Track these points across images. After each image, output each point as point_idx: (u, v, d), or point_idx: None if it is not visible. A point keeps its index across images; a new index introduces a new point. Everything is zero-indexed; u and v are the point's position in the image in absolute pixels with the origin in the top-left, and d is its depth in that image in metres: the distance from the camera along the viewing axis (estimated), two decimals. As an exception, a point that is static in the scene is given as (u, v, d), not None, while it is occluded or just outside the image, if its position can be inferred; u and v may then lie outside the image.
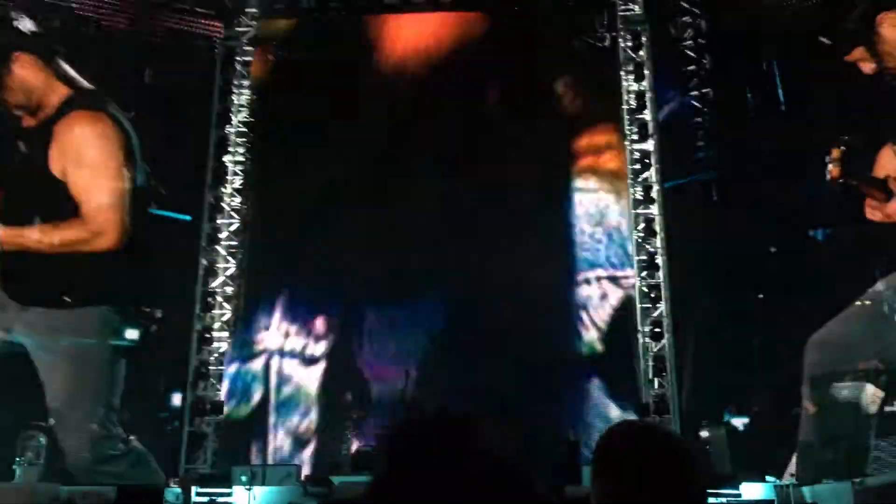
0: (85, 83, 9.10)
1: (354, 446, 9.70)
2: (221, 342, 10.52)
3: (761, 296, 10.37)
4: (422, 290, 10.29)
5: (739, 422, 9.83)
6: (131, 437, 9.56)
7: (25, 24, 8.87)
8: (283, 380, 10.48)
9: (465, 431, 1.17)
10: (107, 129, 8.91)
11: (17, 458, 7.40)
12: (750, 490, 7.82)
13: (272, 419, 10.31)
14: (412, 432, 1.20)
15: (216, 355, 10.43)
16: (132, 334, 8.76)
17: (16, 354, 8.28)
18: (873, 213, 8.38)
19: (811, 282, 9.42)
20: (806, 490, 6.54)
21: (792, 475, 8.05)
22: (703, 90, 10.97)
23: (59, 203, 8.51)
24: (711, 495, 7.06)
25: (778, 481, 7.76)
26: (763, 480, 8.04)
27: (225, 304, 10.66)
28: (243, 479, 7.67)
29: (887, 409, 8.70)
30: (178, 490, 7.71)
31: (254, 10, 11.68)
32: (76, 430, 8.15)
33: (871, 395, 8.63)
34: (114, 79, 10.45)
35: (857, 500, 6.08)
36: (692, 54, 11.08)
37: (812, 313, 8.83)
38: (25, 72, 8.71)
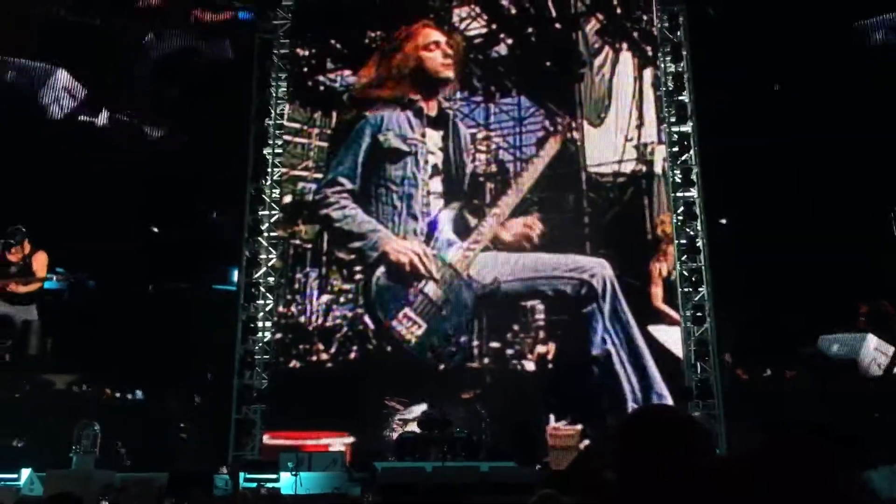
0: None
1: (397, 433, 9.85)
2: (265, 332, 10.74)
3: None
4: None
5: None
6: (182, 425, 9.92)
7: None
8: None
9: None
10: None
11: (74, 447, 7.68)
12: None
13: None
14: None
15: (261, 345, 10.66)
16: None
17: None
18: None
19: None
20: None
21: None
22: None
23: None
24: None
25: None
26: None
27: (268, 295, 10.86)
28: (289, 465, 7.85)
29: None
30: (227, 476, 7.93)
31: (290, 2, 11.81)
32: None
33: (873, 349, 6.65)
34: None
35: (897, 484, 5.91)
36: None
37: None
38: None
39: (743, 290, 9.75)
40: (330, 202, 11.26)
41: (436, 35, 11.72)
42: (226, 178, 11.42)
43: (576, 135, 11.09)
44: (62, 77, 11.93)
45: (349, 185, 11.27)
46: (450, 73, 11.46)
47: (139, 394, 10.19)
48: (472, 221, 10.96)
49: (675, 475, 1.46)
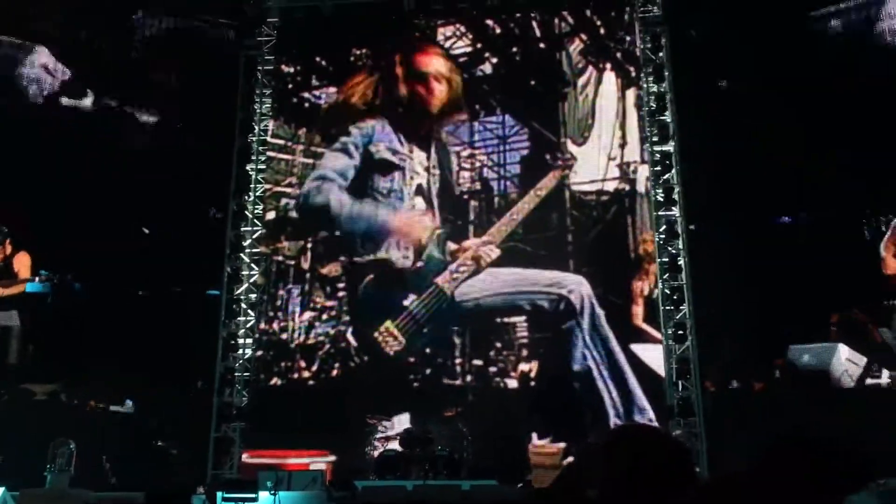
0: None
1: (378, 450, 9.78)
2: (246, 349, 10.66)
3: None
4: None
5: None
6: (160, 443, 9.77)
7: None
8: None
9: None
10: None
11: (48, 466, 7.56)
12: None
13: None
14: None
15: (241, 361, 10.58)
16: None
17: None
18: None
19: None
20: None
21: None
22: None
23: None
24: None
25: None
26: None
27: (249, 312, 10.80)
28: (268, 484, 7.76)
29: (870, 381, 6.40)
30: (204, 497, 7.82)
31: (275, 19, 11.84)
32: None
33: (844, 360, 6.65)
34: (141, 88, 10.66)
35: (880, 502, 5.93)
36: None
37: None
38: None
39: (722, 303, 9.81)
40: (323, 189, 11.23)
41: (438, 64, 11.74)
42: (224, 173, 11.03)
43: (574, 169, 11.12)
44: (42, 54, 11.22)
45: (341, 182, 11.27)
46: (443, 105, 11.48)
47: (129, 405, 9.92)
48: (457, 244, 10.95)
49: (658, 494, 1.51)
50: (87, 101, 11.59)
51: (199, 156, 11.15)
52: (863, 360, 6.42)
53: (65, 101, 11.48)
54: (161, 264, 11.20)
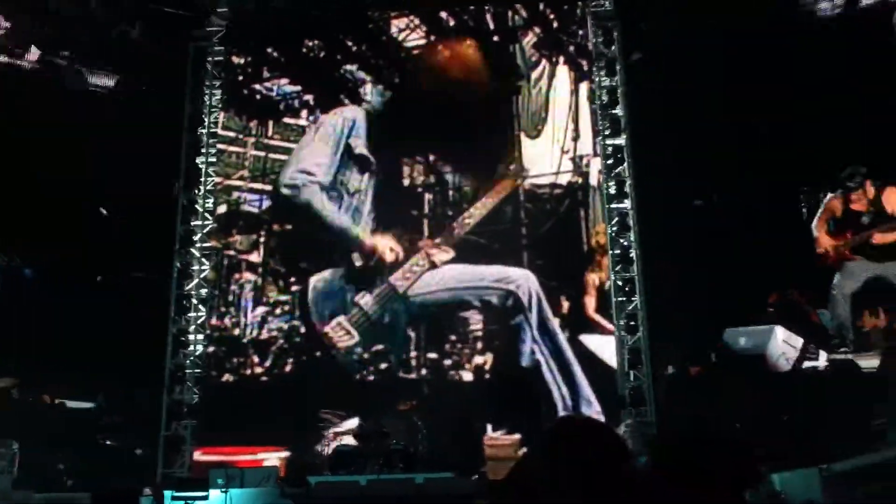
0: None
1: (333, 445, 9.71)
2: (197, 345, 10.48)
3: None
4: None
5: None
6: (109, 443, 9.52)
7: None
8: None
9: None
10: None
11: (-10, 467, 7.34)
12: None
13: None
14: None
15: (192, 359, 10.39)
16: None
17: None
18: None
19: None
20: (775, 477, 6.55)
21: None
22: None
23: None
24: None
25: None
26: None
27: (200, 307, 10.61)
28: (219, 481, 7.66)
29: (808, 364, 6.26)
30: (151, 498, 7.68)
31: (224, 9, 11.63)
32: None
33: (781, 342, 6.41)
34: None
35: (825, 486, 6.09)
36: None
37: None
38: None
39: (673, 291, 9.95)
40: (306, 191, 11.10)
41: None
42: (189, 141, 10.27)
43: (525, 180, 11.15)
44: None
45: (320, 178, 11.14)
46: None
47: (84, 401, 9.51)
48: (410, 243, 10.90)
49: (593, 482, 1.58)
50: (31, 58, 10.17)
51: (163, 124, 10.27)
52: (799, 343, 6.48)
53: (2, 58, 10.10)
54: (121, 248, 10.36)
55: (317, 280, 10.81)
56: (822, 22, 10.14)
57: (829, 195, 7.83)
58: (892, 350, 6.55)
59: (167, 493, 7.42)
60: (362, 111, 11.49)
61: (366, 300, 10.64)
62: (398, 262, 10.76)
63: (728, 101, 10.00)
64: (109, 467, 8.84)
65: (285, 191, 11.23)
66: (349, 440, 9.42)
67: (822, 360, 6.57)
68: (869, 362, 6.57)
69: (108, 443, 9.57)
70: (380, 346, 10.53)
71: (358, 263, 10.76)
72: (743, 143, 9.89)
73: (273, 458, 9.88)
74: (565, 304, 10.51)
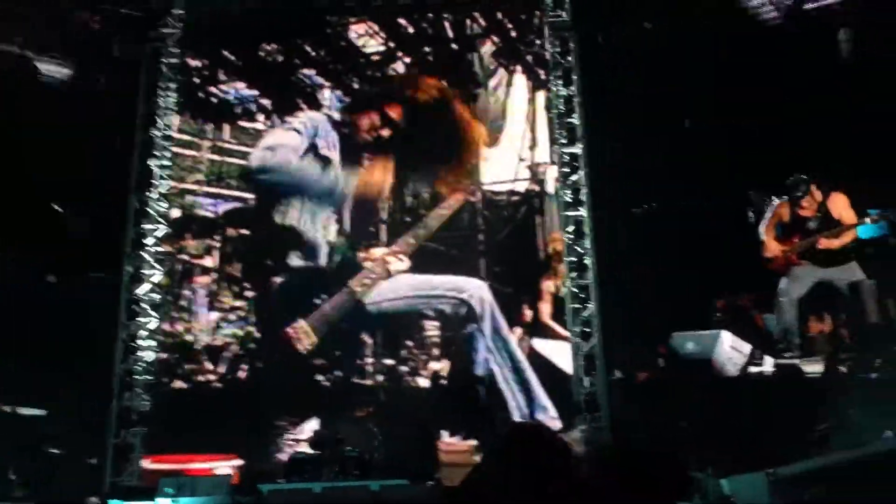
0: None
1: (287, 453, 9.60)
2: (148, 351, 10.26)
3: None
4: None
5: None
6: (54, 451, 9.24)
7: None
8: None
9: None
10: None
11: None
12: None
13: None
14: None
15: (143, 364, 10.17)
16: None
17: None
18: None
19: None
20: (724, 482, 6.68)
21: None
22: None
23: None
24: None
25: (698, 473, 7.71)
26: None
27: (151, 312, 10.40)
28: (168, 490, 7.49)
29: (754, 369, 6.39)
30: (97, 506, 7.49)
31: (180, 11, 11.46)
32: None
33: (728, 347, 6.58)
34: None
35: (773, 490, 6.22)
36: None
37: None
38: None
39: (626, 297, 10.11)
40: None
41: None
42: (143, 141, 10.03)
43: (477, 196, 11.18)
44: None
45: (292, 145, 11.04)
46: None
47: (38, 408, 9.22)
48: (365, 250, 10.84)
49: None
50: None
51: (120, 122, 10.03)
52: (746, 348, 6.61)
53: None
54: (76, 246, 10.17)
55: (277, 282, 10.71)
56: (770, 28, 10.42)
57: (777, 200, 8.02)
58: (835, 355, 6.73)
59: (112, 503, 7.25)
60: (324, 117, 11.43)
61: (325, 304, 10.57)
62: (358, 267, 10.72)
63: (679, 105, 10.24)
64: (59, 476, 8.62)
65: (259, 175, 11.05)
66: (305, 447, 9.32)
67: (769, 365, 6.70)
68: (814, 367, 6.74)
69: (56, 451, 9.31)
70: (337, 352, 10.46)
71: (321, 263, 10.70)
72: (691, 149, 10.12)
73: (226, 466, 9.70)
74: (528, 313, 10.61)
